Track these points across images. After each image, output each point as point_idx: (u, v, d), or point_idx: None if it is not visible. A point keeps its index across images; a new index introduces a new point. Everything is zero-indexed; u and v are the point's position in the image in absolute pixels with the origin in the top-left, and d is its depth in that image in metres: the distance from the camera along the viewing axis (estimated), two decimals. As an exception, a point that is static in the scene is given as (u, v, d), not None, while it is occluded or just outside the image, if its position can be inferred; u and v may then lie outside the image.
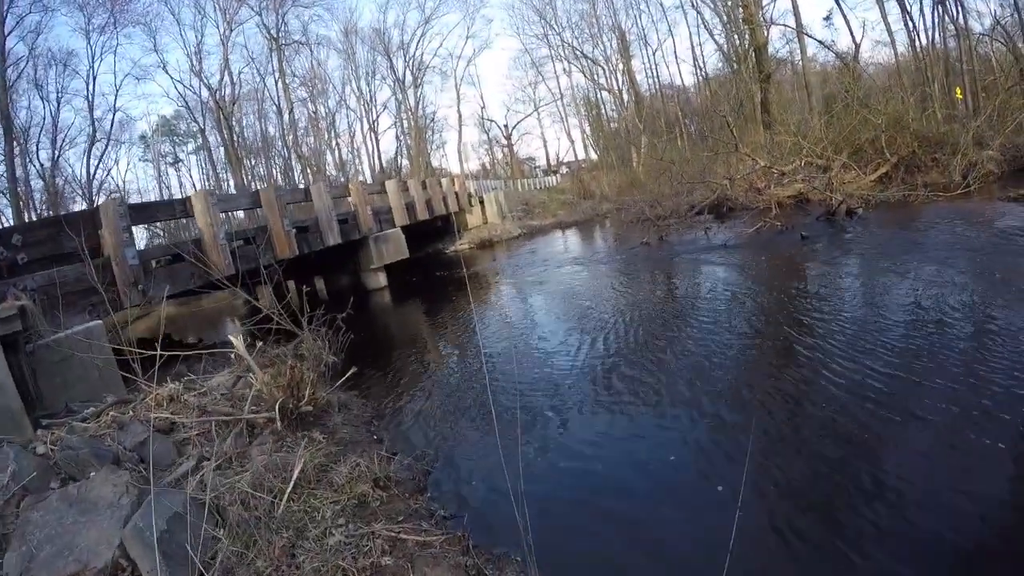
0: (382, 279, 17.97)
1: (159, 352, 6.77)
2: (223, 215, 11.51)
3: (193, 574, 3.65)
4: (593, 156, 59.20)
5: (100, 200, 39.75)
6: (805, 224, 14.99)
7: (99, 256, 8.44)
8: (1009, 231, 10.79)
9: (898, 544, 3.91)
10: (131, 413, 5.70)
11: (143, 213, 9.90)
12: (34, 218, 34.64)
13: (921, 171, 18.08)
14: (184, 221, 11.25)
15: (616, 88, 54.10)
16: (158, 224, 30.23)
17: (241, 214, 23.61)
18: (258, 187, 50.00)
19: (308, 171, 52.38)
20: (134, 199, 44.40)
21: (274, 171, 53.49)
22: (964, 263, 9.54)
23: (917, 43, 29.12)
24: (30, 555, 3.51)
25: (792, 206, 17.86)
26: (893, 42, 30.96)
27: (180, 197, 12.02)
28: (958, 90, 24.21)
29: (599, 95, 57.04)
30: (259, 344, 8.25)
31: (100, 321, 7.09)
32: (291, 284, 17.95)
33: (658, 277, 13.76)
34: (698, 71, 49.77)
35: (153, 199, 43.34)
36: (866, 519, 4.18)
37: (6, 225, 31.43)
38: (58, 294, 7.16)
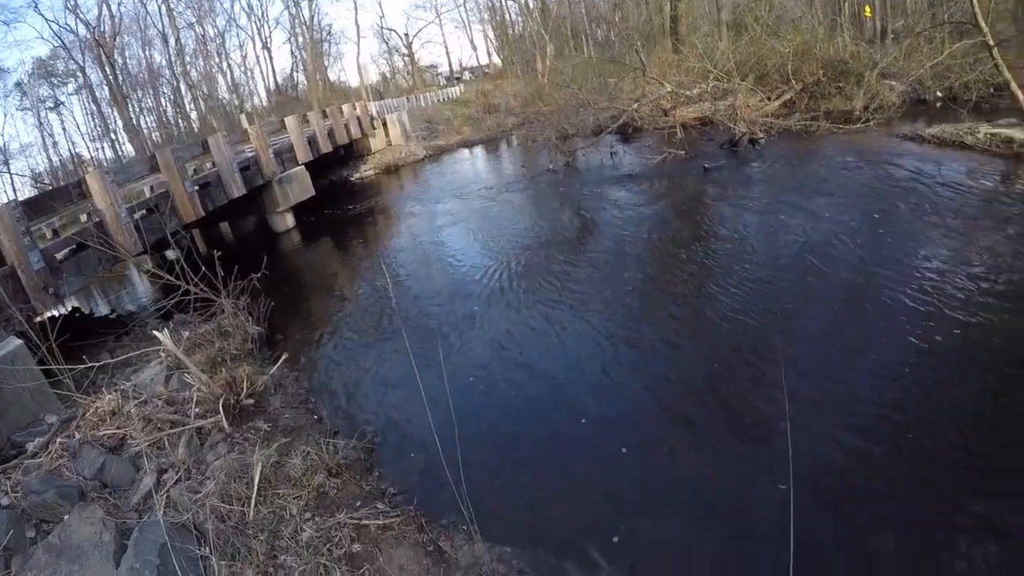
0: (289, 220, 17.77)
1: (87, 365, 6.94)
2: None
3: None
4: (497, 61, 57.92)
5: None
6: (708, 154, 15.83)
7: (2, 265, 8.11)
8: (897, 172, 11.86)
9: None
10: (77, 435, 5.94)
11: (39, 207, 9.37)
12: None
13: (824, 98, 18.91)
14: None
15: (520, -8, 52.34)
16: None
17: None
18: (146, 123, 46.67)
19: (199, 100, 49.04)
20: (15, 156, 40.74)
21: (163, 102, 49.62)
22: (850, 200, 10.63)
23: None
24: (41, 615, 3.94)
25: (697, 128, 18.65)
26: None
27: (75, 180, 11.20)
28: (867, 8, 24.94)
29: (503, 1, 55.49)
30: (184, 336, 8.50)
31: (20, 341, 7.05)
32: (196, 232, 17.59)
33: (566, 207, 14.37)
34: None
35: (37, 152, 39.81)
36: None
37: None
38: None
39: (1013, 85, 13.74)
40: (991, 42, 14.06)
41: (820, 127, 16.00)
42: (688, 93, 19.83)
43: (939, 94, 17.87)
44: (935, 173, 11.43)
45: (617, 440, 5.78)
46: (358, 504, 5.37)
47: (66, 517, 4.72)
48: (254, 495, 5.19)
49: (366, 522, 5.02)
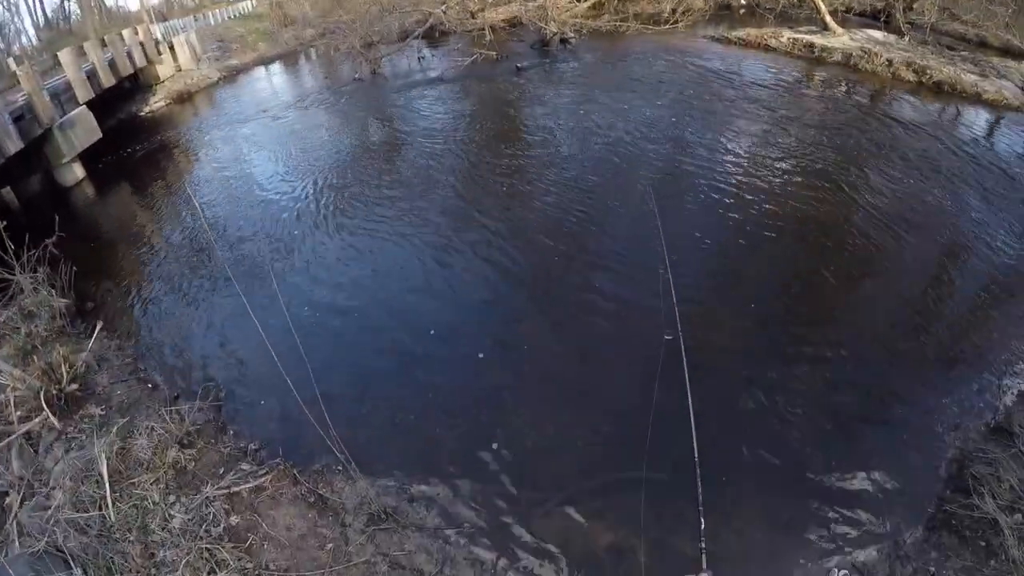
0: (78, 171, 15.39)
1: None
2: None
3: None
4: None
5: None
6: (519, 55, 15.51)
7: None
8: (705, 69, 12.41)
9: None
10: None
11: None
12: None
13: (633, 0, 18.58)
14: None
15: None
16: None
17: None
18: None
19: None
20: None
21: None
22: (660, 97, 11.10)
23: None
24: None
25: (506, 30, 18.02)
26: None
27: None
28: None
29: None
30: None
31: None
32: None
33: (376, 116, 13.94)
34: None
35: None
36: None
37: None
38: None
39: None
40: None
41: (630, 28, 16.21)
42: None
43: (743, 1, 18.31)
44: (741, 71, 12.35)
45: (470, 345, 6.15)
46: (221, 471, 5.38)
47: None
48: (107, 493, 5.05)
49: (236, 489, 5.09)
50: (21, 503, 5.18)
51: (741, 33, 15.26)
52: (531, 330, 6.23)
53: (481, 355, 6.03)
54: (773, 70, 12.48)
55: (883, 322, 6.39)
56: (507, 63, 15.23)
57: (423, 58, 17.79)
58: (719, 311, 6.33)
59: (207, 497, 5.03)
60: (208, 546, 4.56)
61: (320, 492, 5.00)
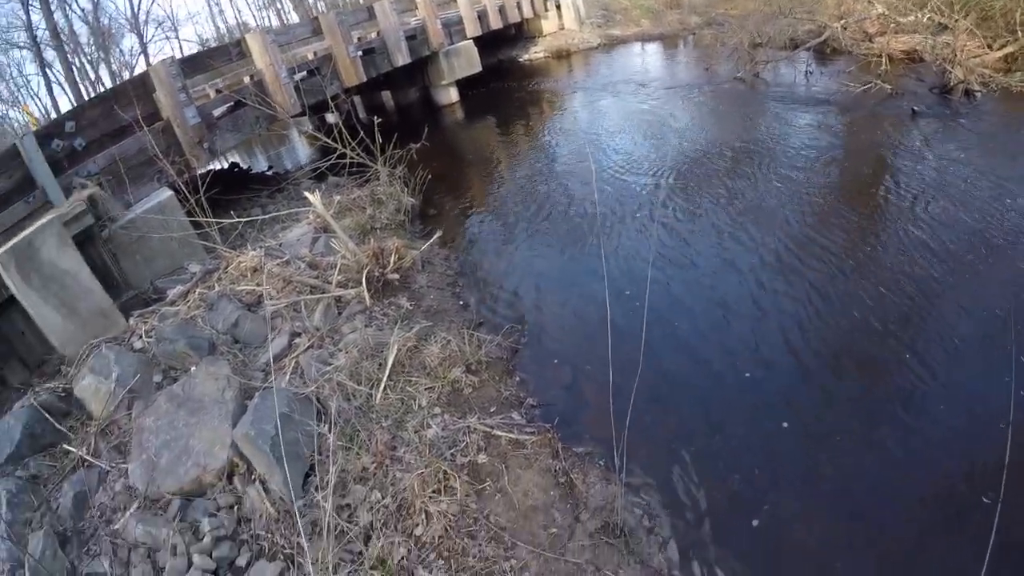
0: (453, 94, 17.57)
1: (235, 219, 6.99)
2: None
3: (305, 469, 4.07)
4: None
5: (148, 31, 39.24)
6: (916, 95, 13.39)
7: (159, 120, 8.37)
8: None
9: None
10: (216, 288, 5.98)
11: (197, 65, 9.58)
12: (87, 70, 34.55)
13: None
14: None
15: None
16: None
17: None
18: None
19: None
20: (183, 24, 43.40)
21: None
22: None
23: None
24: (152, 464, 3.92)
25: (903, 63, 15.98)
26: None
27: (235, 40, 11.59)
28: None
29: None
30: (335, 200, 8.43)
31: (171, 192, 7.23)
32: (357, 100, 17.89)
33: (752, 123, 12.68)
34: None
35: (205, 21, 41.86)
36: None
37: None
38: (121, 171, 7.24)
39: None
40: None
41: None
42: (900, 20, 17.03)
43: None
44: None
45: (782, 409, 4.88)
46: (492, 410, 4.97)
47: (193, 368, 4.72)
48: (384, 378, 4.94)
49: (498, 433, 4.60)
50: (307, 348, 5.23)
51: None
52: (859, 429, 4.68)
53: (785, 425, 4.72)
54: None
55: None
56: (901, 101, 12.95)
57: (810, 73, 16.13)
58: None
59: (468, 426, 4.63)
60: (447, 469, 4.12)
61: (572, 476, 4.27)
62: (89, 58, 36.20)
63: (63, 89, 32.75)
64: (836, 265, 6.69)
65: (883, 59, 15.44)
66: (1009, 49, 16.56)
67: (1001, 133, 10.92)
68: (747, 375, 5.27)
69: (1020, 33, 16.41)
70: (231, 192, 8.92)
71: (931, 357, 5.18)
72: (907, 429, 4.53)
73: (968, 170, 8.98)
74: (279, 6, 49.06)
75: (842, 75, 15.73)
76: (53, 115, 31.00)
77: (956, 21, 15.61)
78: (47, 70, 32.21)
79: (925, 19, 16.56)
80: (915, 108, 12.49)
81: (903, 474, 4.18)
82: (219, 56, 10.22)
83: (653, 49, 25.00)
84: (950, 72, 13.91)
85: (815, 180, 9.07)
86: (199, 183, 7.21)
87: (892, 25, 17.21)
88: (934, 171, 9.07)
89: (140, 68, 35.17)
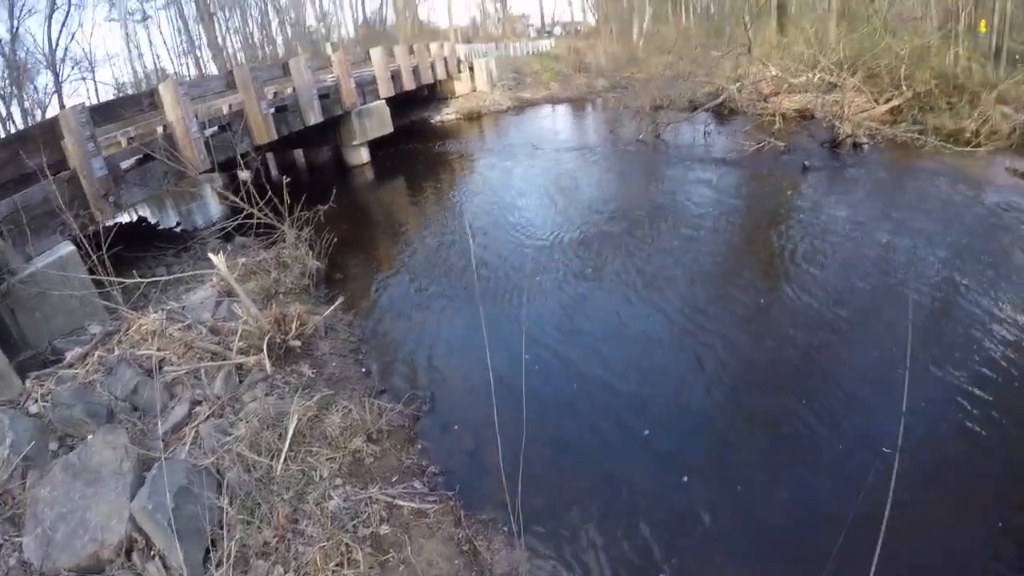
0: (364, 155, 17.90)
1: (138, 280, 6.94)
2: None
3: (205, 544, 4.11)
4: (591, 19, 57.06)
5: (64, 69, 38.54)
6: (807, 151, 14.87)
7: (66, 169, 8.17)
8: (1004, 212, 10.35)
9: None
10: (116, 351, 5.93)
11: (108, 113, 9.50)
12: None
13: (933, 112, 17.52)
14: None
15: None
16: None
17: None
18: (231, 44, 47.85)
19: (286, 25, 50.08)
20: (101, 65, 42.47)
21: (250, 24, 50.84)
22: (948, 237, 9.33)
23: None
24: (47, 538, 3.87)
25: (795, 121, 17.64)
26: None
27: (148, 90, 11.58)
28: (983, 23, 23.20)
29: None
30: (240, 262, 8.47)
31: (73, 247, 7.08)
32: (269, 156, 17.88)
33: (653, 182, 13.75)
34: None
35: (122, 63, 41.78)
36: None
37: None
38: (24, 220, 6.97)
39: None
40: None
41: (927, 142, 14.73)
42: (792, 80, 18.85)
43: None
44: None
45: (681, 463, 5.34)
46: (394, 479, 5.13)
47: (90, 437, 4.68)
48: (285, 449, 5.03)
49: (400, 502, 4.77)
50: (207, 417, 5.28)
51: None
52: (753, 471, 5.20)
53: (685, 479, 5.15)
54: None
55: None
56: (793, 156, 14.39)
57: (708, 133, 17.64)
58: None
59: (370, 496, 4.78)
60: (349, 541, 4.25)
61: (476, 543, 4.48)
62: (1, 93, 34.71)
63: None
64: (729, 322, 7.37)
65: (776, 118, 16.89)
66: (895, 102, 18.38)
67: (885, 179, 12.40)
68: (646, 432, 5.68)
69: (904, 87, 18.22)
70: (136, 248, 8.76)
71: (821, 402, 5.81)
72: (804, 471, 5.08)
73: (851, 216, 10.15)
74: (198, 54, 48.72)
75: (738, 134, 17.08)
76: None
77: (844, 79, 17.32)
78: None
79: (816, 79, 18.27)
80: (806, 163, 13.79)
81: (804, 516, 4.64)
82: (131, 106, 10.15)
83: (562, 111, 26.28)
84: (839, 127, 15.39)
85: (709, 238, 9.90)
86: (103, 238, 7.09)
87: (785, 85, 18.87)
88: (821, 222, 10.18)
89: (53, 108, 34.44)
